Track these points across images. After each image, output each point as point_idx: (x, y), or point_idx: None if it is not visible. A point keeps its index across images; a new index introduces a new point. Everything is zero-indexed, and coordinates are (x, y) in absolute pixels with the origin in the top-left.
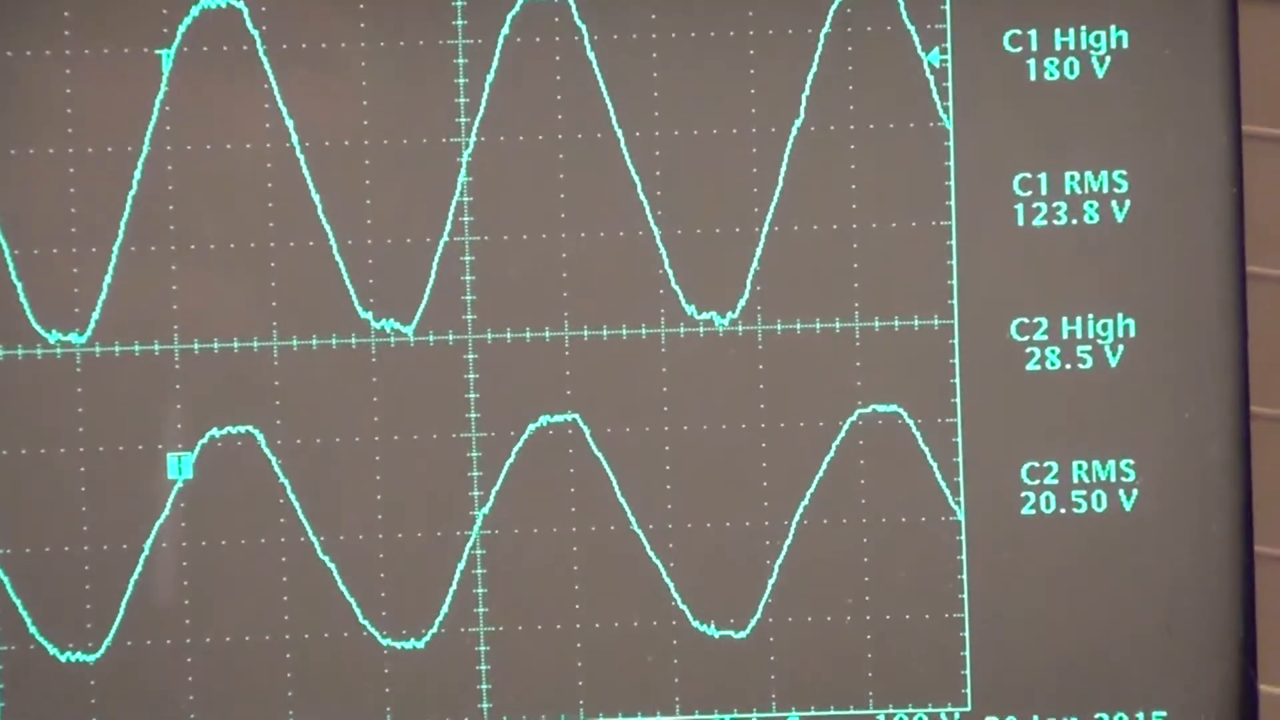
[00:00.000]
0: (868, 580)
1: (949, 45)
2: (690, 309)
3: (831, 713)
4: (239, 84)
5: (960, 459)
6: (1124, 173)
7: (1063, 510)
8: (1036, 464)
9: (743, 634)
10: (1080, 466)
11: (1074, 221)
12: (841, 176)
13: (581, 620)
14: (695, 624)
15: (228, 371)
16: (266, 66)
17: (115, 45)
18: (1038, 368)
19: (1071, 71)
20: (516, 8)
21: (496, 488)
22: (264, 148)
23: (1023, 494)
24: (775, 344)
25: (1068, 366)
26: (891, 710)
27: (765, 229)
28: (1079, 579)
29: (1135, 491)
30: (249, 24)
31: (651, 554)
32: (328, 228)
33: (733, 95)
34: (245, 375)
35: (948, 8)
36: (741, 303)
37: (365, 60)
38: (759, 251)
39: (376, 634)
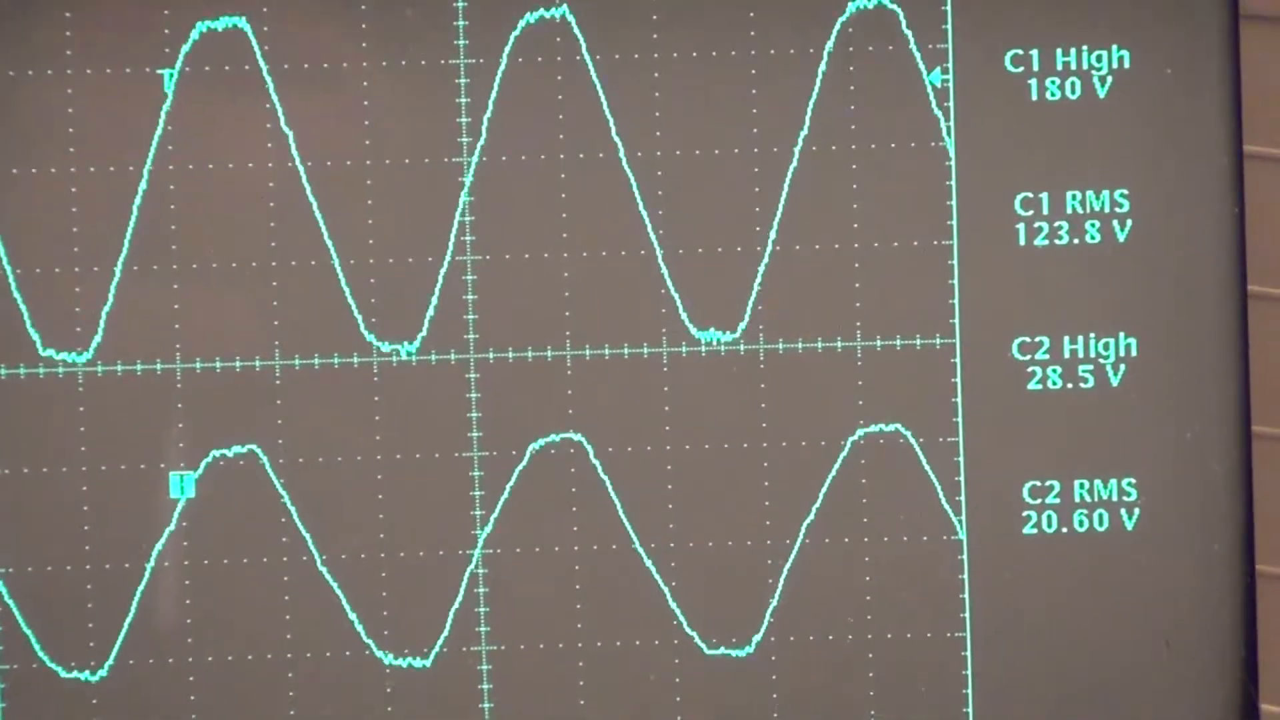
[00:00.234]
0: (869, 599)
1: (951, 65)
2: (692, 328)
3: None
4: (241, 103)
5: (962, 478)
6: (1125, 192)
7: (1064, 529)
8: (1038, 483)
9: (744, 653)
10: (1082, 486)
11: (1075, 241)
12: (843, 196)
13: (583, 639)
14: (697, 643)
15: (230, 390)
16: (269, 86)
17: (117, 65)
18: (1039, 387)
19: (1073, 91)
20: (519, 27)
21: (499, 507)
22: (266, 167)
23: (1024, 513)
24: (777, 363)
25: (1069, 386)
26: None
27: (767, 248)
28: (1080, 598)
29: (1137, 511)
30: (252, 44)
31: (654, 573)
32: (330, 247)
33: (735, 115)
34: (247, 394)
35: (949, 28)
36: (743, 322)
37: (367, 80)
38: (761, 270)
39: (379, 653)
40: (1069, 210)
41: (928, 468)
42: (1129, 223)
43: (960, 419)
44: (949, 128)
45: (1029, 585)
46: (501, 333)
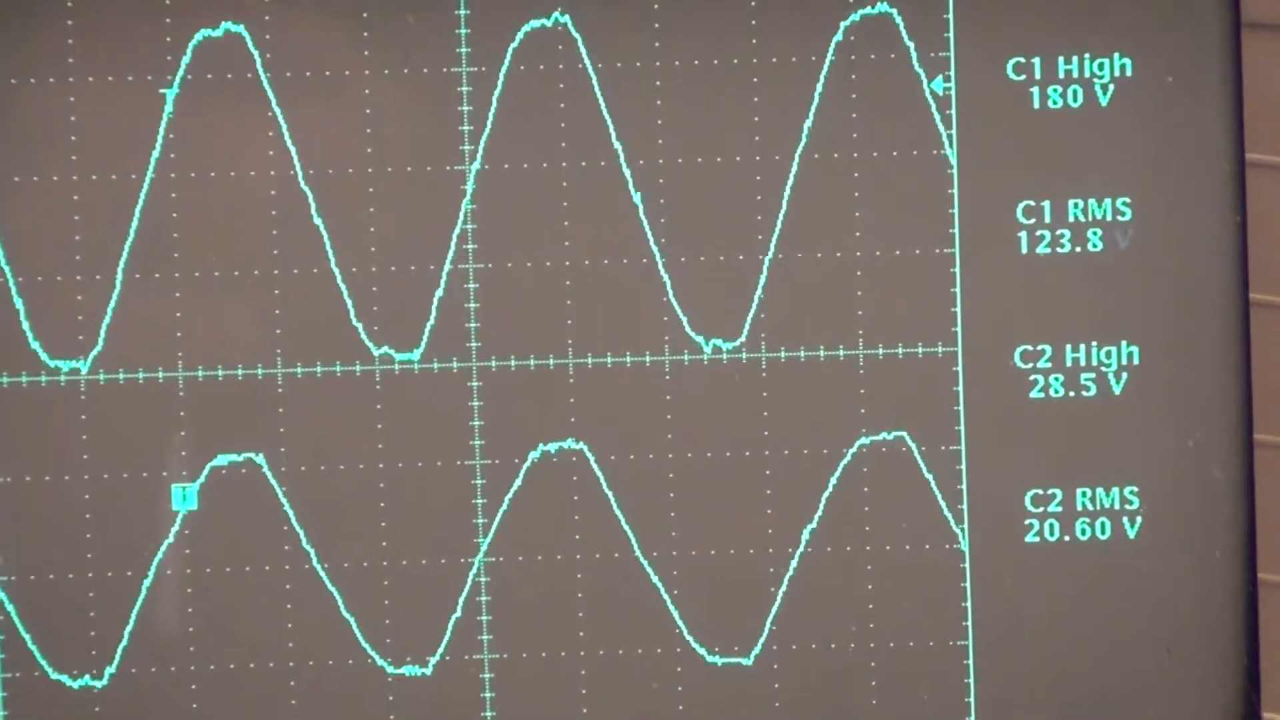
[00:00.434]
0: (872, 607)
1: (952, 73)
2: (694, 336)
3: None
4: (242, 111)
5: (964, 486)
6: (1127, 200)
7: (1066, 538)
8: (1040, 491)
9: (746, 661)
10: (1084, 494)
11: (1077, 249)
12: (845, 204)
13: (585, 647)
14: (699, 651)
15: (232, 398)
16: (270, 94)
17: (119, 73)
18: (1041, 395)
19: (1075, 99)
20: (520, 36)
21: (500, 515)
22: (268, 175)
23: (1026, 521)
24: (779, 371)
25: (1071, 394)
26: None
27: (769, 256)
28: (1082, 606)
29: (1139, 519)
30: (252, 51)
31: (655, 581)
32: (331, 255)
33: (736, 123)
34: (249, 402)
35: (951, 35)
36: (745, 330)
37: (369, 88)
38: (762, 279)
39: (381, 661)
40: (1071, 218)
41: (929, 476)
42: (1131, 231)
43: (962, 427)
44: (950, 136)
45: (1031, 594)
46: (503, 341)
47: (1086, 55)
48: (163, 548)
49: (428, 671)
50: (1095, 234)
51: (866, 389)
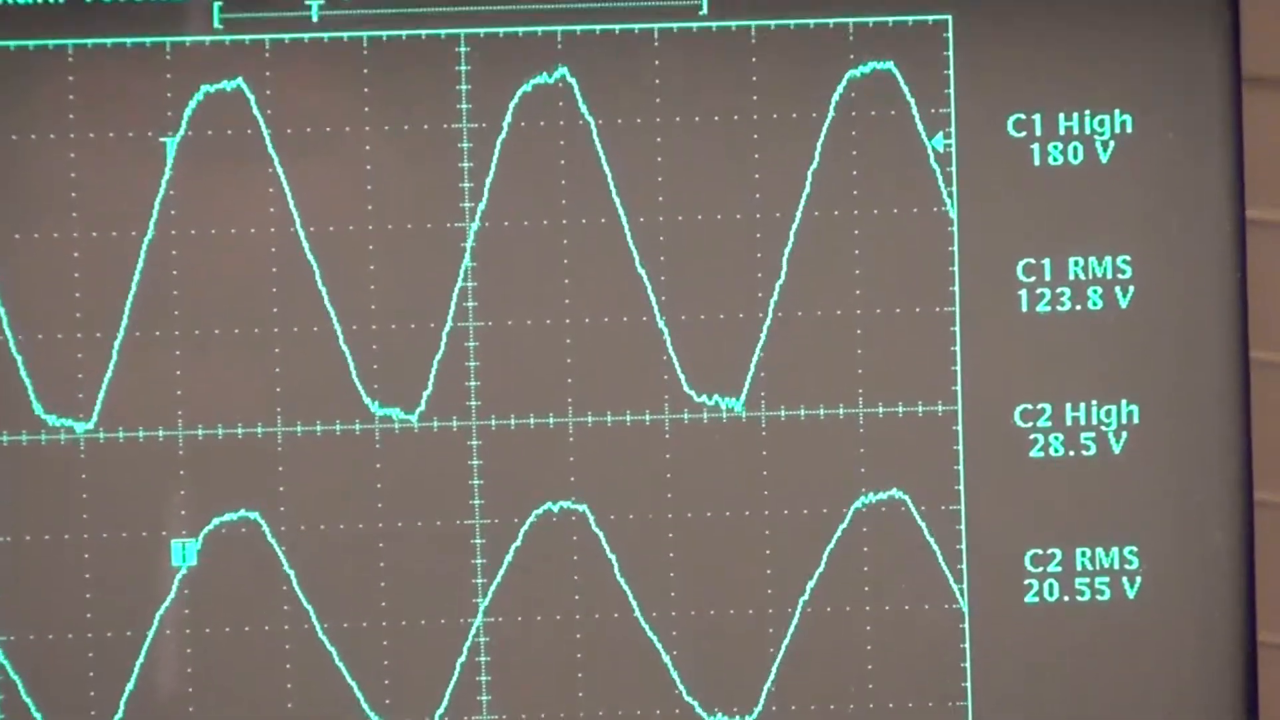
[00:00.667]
0: (871, 667)
1: (953, 130)
2: (694, 394)
3: None
4: (243, 168)
5: (964, 546)
6: (1128, 258)
7: (1066, 598)
8: (1040, 551)
9: None
10: (1083, 554)
11: (1078, 307)
12: (845, 262)
13: (585, 708)
14: (699, 711)
15: (231, 457)
16: (270, 150)
17: (120, 129)
18: (1041, 454)
19: (1075, 156)
20: (520, 92)
21: (500, 574)
22: (268, 232)
23: (1026, 581)
24: (779, 430)
25: (1071, 453)
26: None
27: (769, 314)
28: (1082, 667)
29: (1139, 579)
30: (253, 108)
31: (655, 641)
32: (332, 313)
33: (736, 180)
34: (249, 461)
35: (951, 92)
36: (745, 389)
37: (369, 144)
38: (763, 337)
39: None
40: (1071, 276)
41: (929, 535)
42: (1131, 289)
43: (962, 486)
44: (951, 193)
45: (1030, 654)
46: (503, 399)
47: (1087, 112)
48: (162, 607)
49: None
50: (1096, 292)
51: (866, 448)
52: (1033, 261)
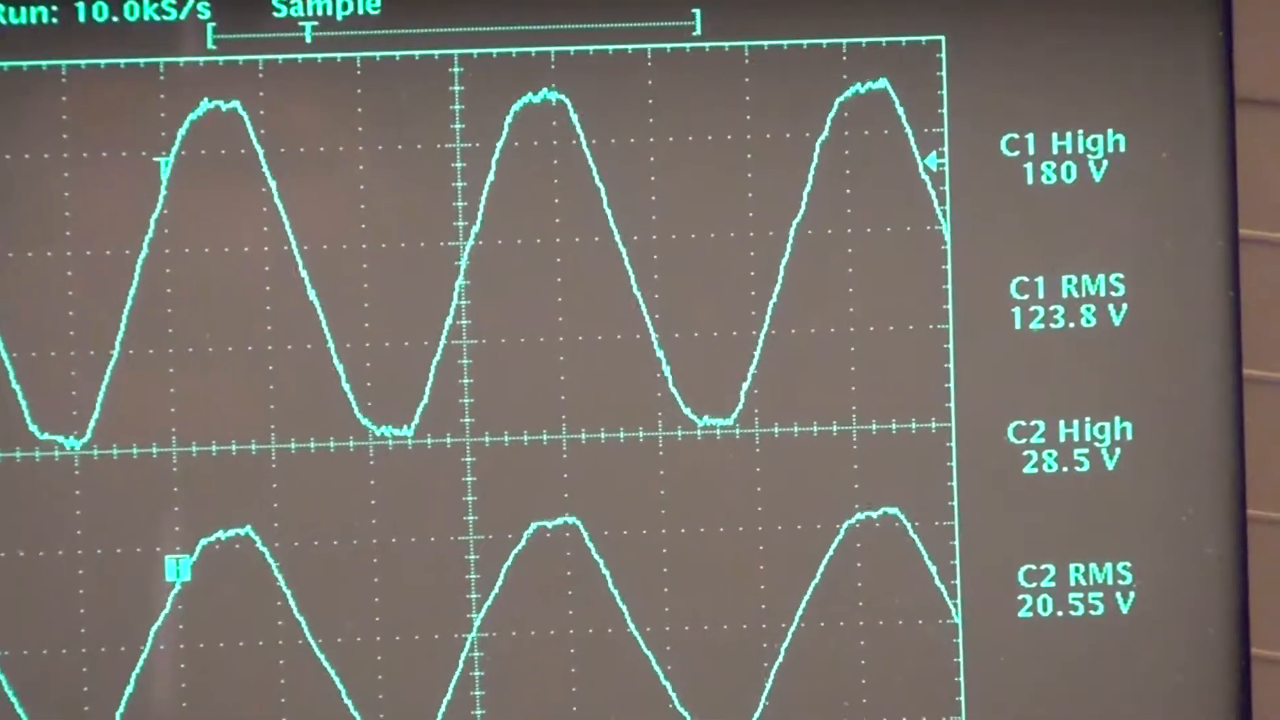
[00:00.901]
0: (865, 683)
1: (946, 149)
2: (688, 412)
3: None
4: (237, 187)
5: (957, 562)
6: (1121, 276)
7: (1060, 613)
8: (1033, 567)
9: None
10: (1077, 569)
11: (1071, 325)
12: (839, 280)
13: None
14: None
15: (225, 474)
16: (265, 170)
17: (113, 149)
18: (1035, 470)
19: (1069, 175)
20: (514, 111)
21: (494, 590)
22: (262, 251)
23: (1020, 597)
24: (773, 447)
25: (1065, 469)
26: None
27: (763, 332)
28: (1076, 682)
29: (1132, 594)
30: (247, 127)
31: (649, 656)
32: (326, 331)
33: (730, 198)
34: (243, 478)
35: (945, 111)
36: (739, 406)
37: (363, 164)
38: (757, 355)
39: None
40: (1064, 294)
41: (923, 551)
42: (1124, 306)
43: (955, 503)
44: (944, 211)
45: (1024, 669)
46: (497, 417)
47: (1080, 131)
48: (156, 623)
49: None
50: (1089, 310)
51: (860, 465)
52: (1026, 279)
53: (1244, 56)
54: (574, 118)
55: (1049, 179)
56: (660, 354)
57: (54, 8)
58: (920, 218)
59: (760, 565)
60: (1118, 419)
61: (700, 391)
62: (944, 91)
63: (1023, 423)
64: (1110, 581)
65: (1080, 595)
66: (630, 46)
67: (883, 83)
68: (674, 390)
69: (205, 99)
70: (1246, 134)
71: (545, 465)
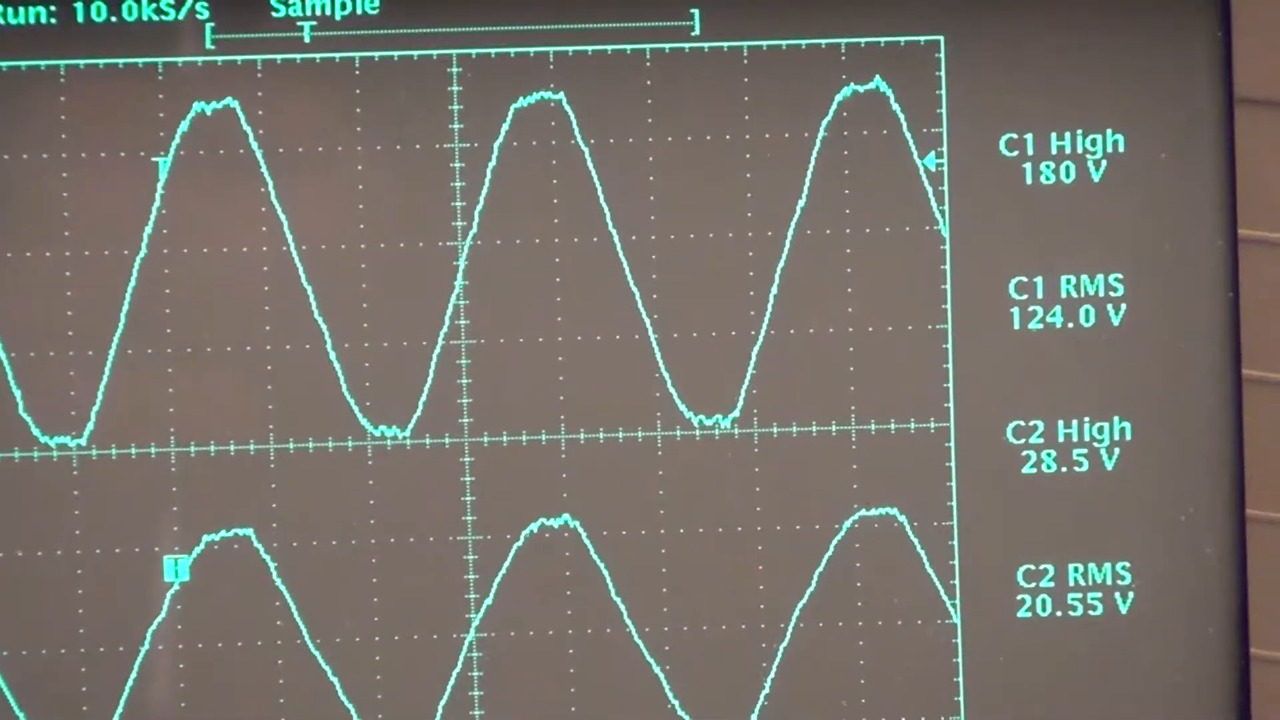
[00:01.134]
0: (864, 683)
1: (945, 149)
2: (687, 412)
3: None
4: (236, 187)
5: (956, 562)
6: (1120, 276)
7: (1059, 613)
8: (1032, 567)
9: None
10: (1076, 569)
11: (1070, 325)
12: (838, 280)
13: None
14: None
15: (224, 474)
16: (263, 169)
17: (112, 149)
18: (1034, 471)
19: (1068, 175)
20: (513, 112)
21: (493, 590)
22: (260, 250)
23: (1019, 597)
24: (772, 447)
25: (1064, 469)
26: None
27: (762, 332)
28: (1075, 682)
29: (1131, 594)
30: (246, 127)
31: (648, 656)
32: (324, 331)
33: (729, 198)
34: (241, 478)
35: (944, 111)
36: (738, 406)
37: (362, 163)
38: (755, 355)
39: None
40: (1063, 294)
41: (922, 551)
42: (1123, 306)
43: (955, 503)
44: (943, 211)
45: (1023, 669)
46: (496, 416)
47: (1079, 131)
48: (155, 623)
49: None
50: (1088, 310)
51: (859, 465)
52: (1025, 279)
53: (1243, 57)
54: (573, 118)
55: (1048, 179)
56: (659, 354)
57: (52, 8)
58: (919, 218)
59: (759, 565)
60: (1117, 419)
61: (699, 391)
62: (943, 92)
63: (1022, 423)
64: (1109, 581)
65: (1079, 595)
66: (629, 46)
67: (881, 83)
68: (673, 390)
69: (203, 99)
70: (1245, 134)
71: (544, 465)
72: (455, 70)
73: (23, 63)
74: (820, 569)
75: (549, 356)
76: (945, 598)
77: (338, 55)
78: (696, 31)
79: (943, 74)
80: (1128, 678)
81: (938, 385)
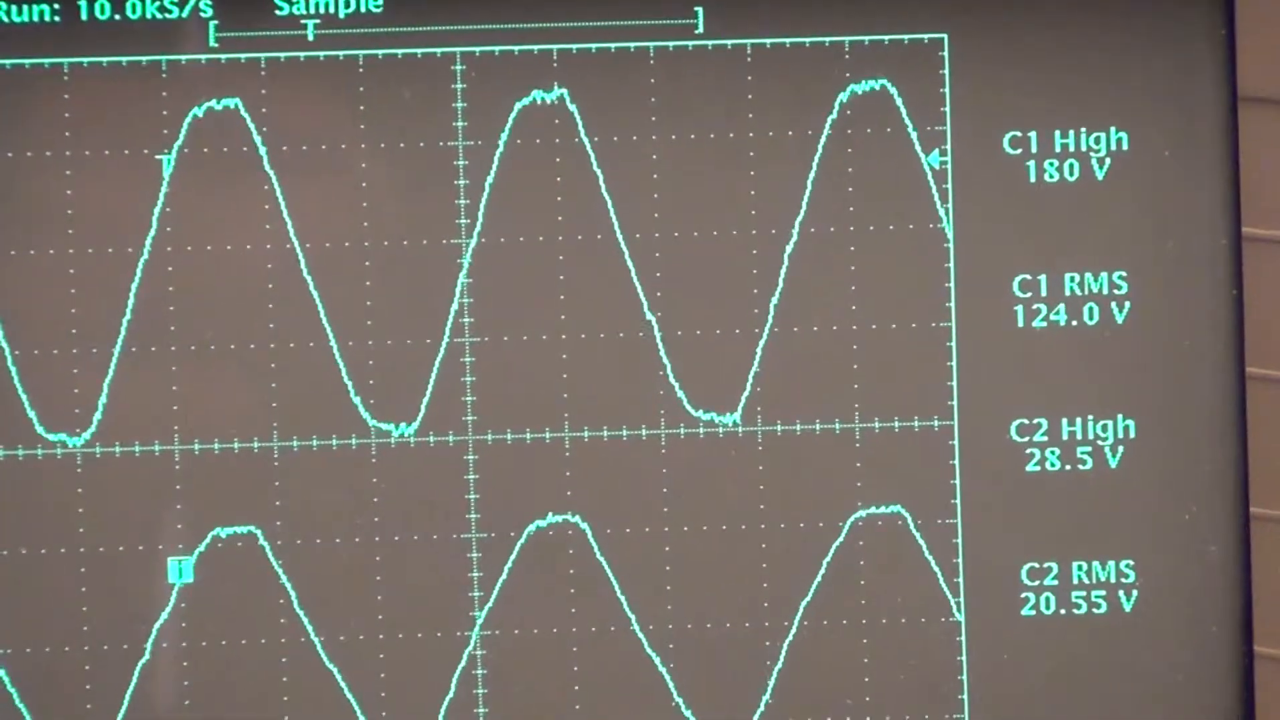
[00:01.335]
0: (868, 681)
1: (949, 147)
2: (690, 409)
3: None
4: (239, 185)
5: (960, 560)
6: (1124, 274)
7: (1062, 611)
8: (1036, 565)
9: None
10: (1080, 567)
11: (1074, 323)
12: (842, 277)
13: None
14: None
15: (228, 472)
16: (267, 168)
17: (116, 147)
18: (1038, 469)
19: (1071, 173)
20: (516, 109)
21: (496, 588)
22: (264, 249)
23: (1023, 595)
24: (775, 445)
25: (1067, 467)
26: None
27: (765, 330)
28: (1078, 680)
29: (1135, 592)
30: (249, 125)
31: (652, 654)
32: (328, 329)
33: (733, 196)
34: (245, 476)
35: (947, 109)
36: (742, 404)
37: (365, 162)
38: (759, 352)
39: None
40: (1067, 292)
41: (926, 549)
42: (1127, 304)
43: (959, 500)
44: (947, 209)
45: (1027, 667)
46: (500, 414)
47: (1083, 129)
48: (159, 621)
49: None
50: (1092, 308)
51: (863, 462)
52: (1029, 277)
53: (1246, 55)
54: (576, 116)
55: (1051, 177)
56: (662, 352)
57: (56, 6)
58: (923, 216)
59: (763, 563)
60: (1120, 417)
61: (703, 389)
62: (946, 90)
63: (1025, 421)
64: (1113, 579)
65: (1083, 593)
66: (632, 44)
67: (885, 81)
68: (676, 388)
69: (207, 97)
70: (1249, 132)
71: (548, 463)
72: (459, 68)
73: (27, 61)
74: (824, 567)
75: (553, 354)
76: (949, 596)
77: (341, 53)
78: (700, 29)
79: (946, 72)
80: (1131, 675)
81: (941, 383)
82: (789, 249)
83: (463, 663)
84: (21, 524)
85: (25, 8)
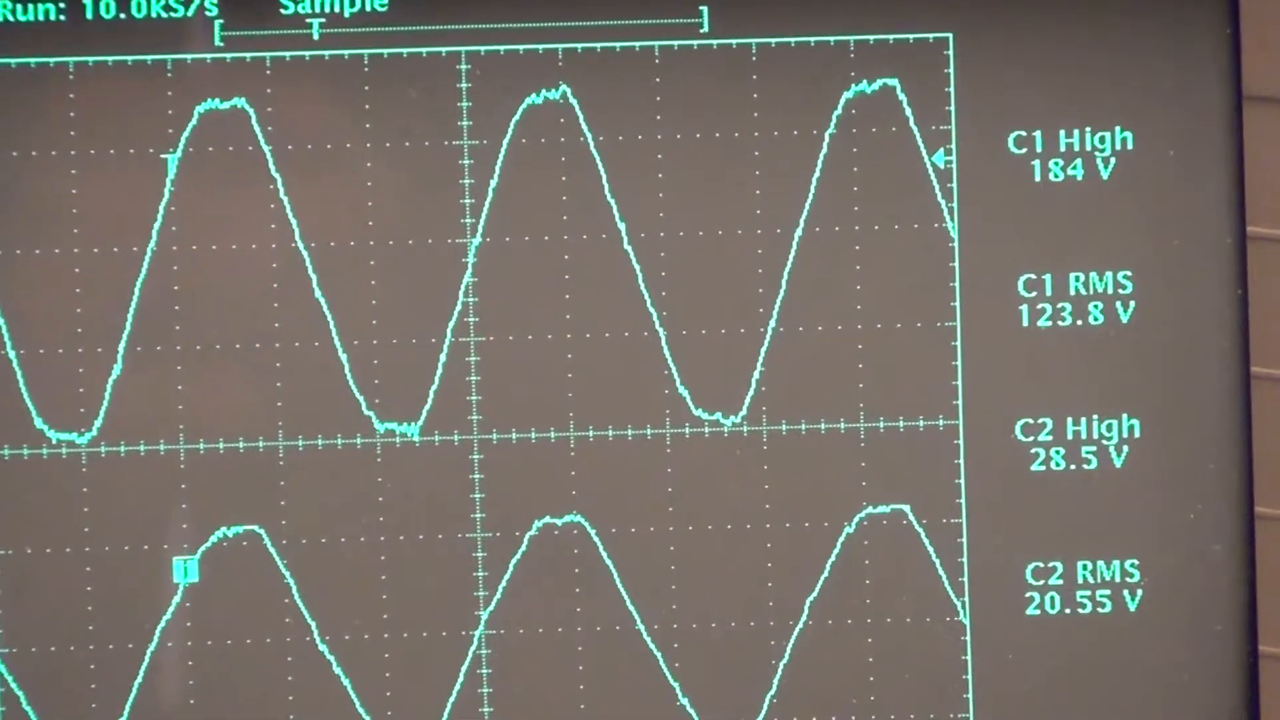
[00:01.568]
0: (872, 680)
1: (953, 146)
2: (695, 409)
3: None
4: (244, 184)
5: (965, 559)
6: (1129, 274)
7: (1067, 610)
8: (1041, 564)
9: None
10: (1085, 567)
11: (1078, 322)
12: (846, 277)
13: None
14: None
15: (233, 471)
16: (272, 167)
17: (121, 146)
18: (1042, 468)
19: (1076, 173)
20: (521, 109)
21: (501, 587)
22: (269, 248)
23: (1027, 594)
24: (780, 444)
25: (1072, 467)
26: None
27: (770, 329)
28: (1083, 679)
29: (1139, 592)
30: (254, 125)
31: (656, 654)
32: (333, 328)
33: (737, 196)
34: (250, 475)
35: (952, 109)
36: (746, 403)
37: (370, 161)
38: (764, 352)
39: None
40: (1072, 291)
41: (930, 549)
42: (1132, 304)
43: (963, 500)
44: (952, 209)
45: (1032, 667)
46: (504, 414)
47: (1088, 129)
48: (164, 620)
49: None
50: (1096, 307)
51: (867, 462)
52: (1034, 277)
53: (1251, 53)
54: (581, 115)
55: (1056, 176)
56: (667, 351)
57: (61, 5)
58: (927, 215)
59: (768, 563)
60: (1125, 416)
61: (708, 389)
62: (951, 89)
63: (1030, 420)
64: (1118, 579)
65: (1088, 593)
66: (638, 44)
67: (890, 80)
68: (681, 387)
69: (212, 96)
70: (1254, 131)
71: (553, 463)
72: (464, 68)
73: (32, 60)
74: (829, 566)
75: (557, 354)
76: (954, 595)
77: (347, 52)
78: (705, 29)
79: (951, 71)
80: (1136, 675)
81: (946, 383)
82: (793, 248)
83: (467, 662)
84: (26, 523)
85: (30, 7)
